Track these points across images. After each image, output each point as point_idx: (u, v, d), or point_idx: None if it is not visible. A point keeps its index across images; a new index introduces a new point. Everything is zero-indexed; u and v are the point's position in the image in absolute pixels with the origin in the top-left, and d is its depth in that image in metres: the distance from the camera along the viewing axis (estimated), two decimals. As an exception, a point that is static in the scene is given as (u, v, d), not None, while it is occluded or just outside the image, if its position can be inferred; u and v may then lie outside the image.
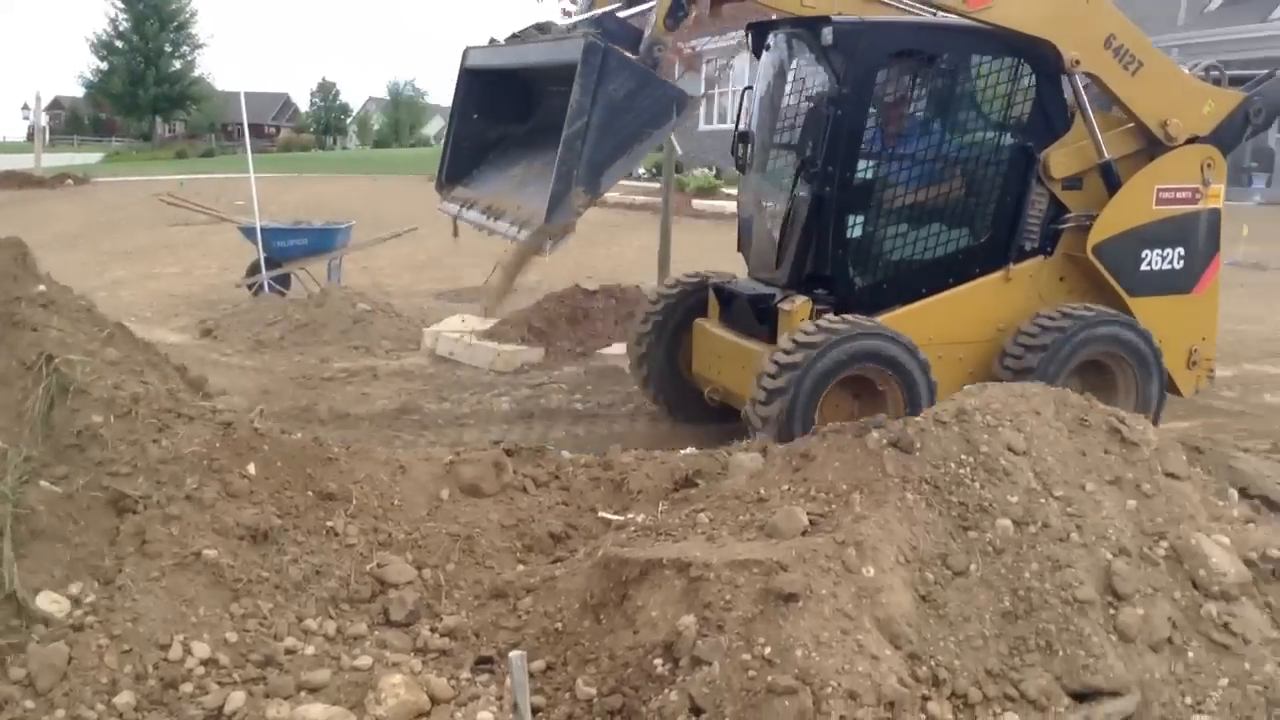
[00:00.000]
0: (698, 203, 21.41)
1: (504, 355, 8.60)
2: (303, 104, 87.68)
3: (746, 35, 7.29)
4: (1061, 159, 6.86)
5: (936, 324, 6.66)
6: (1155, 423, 6.53)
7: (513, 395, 7.71)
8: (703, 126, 32.01)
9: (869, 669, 3.27)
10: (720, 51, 11.59)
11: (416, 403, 7.45)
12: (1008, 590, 3.65)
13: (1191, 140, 7.02)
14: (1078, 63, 6.60)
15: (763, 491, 4.13)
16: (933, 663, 3.42)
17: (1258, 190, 26.13)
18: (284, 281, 11.95)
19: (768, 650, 3.25)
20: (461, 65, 6.74)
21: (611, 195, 22.48)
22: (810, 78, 6.89)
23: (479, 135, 6.73)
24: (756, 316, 6.87)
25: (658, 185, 12.92)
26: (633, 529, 4.09)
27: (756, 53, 7.22)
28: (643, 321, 7.60)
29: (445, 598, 3.99)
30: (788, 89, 7.04)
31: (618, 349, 8.78)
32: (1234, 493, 4.40)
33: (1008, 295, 6.87)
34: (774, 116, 7.15)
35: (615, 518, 4.44)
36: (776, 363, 6.14)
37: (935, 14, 6.48)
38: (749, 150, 7.25)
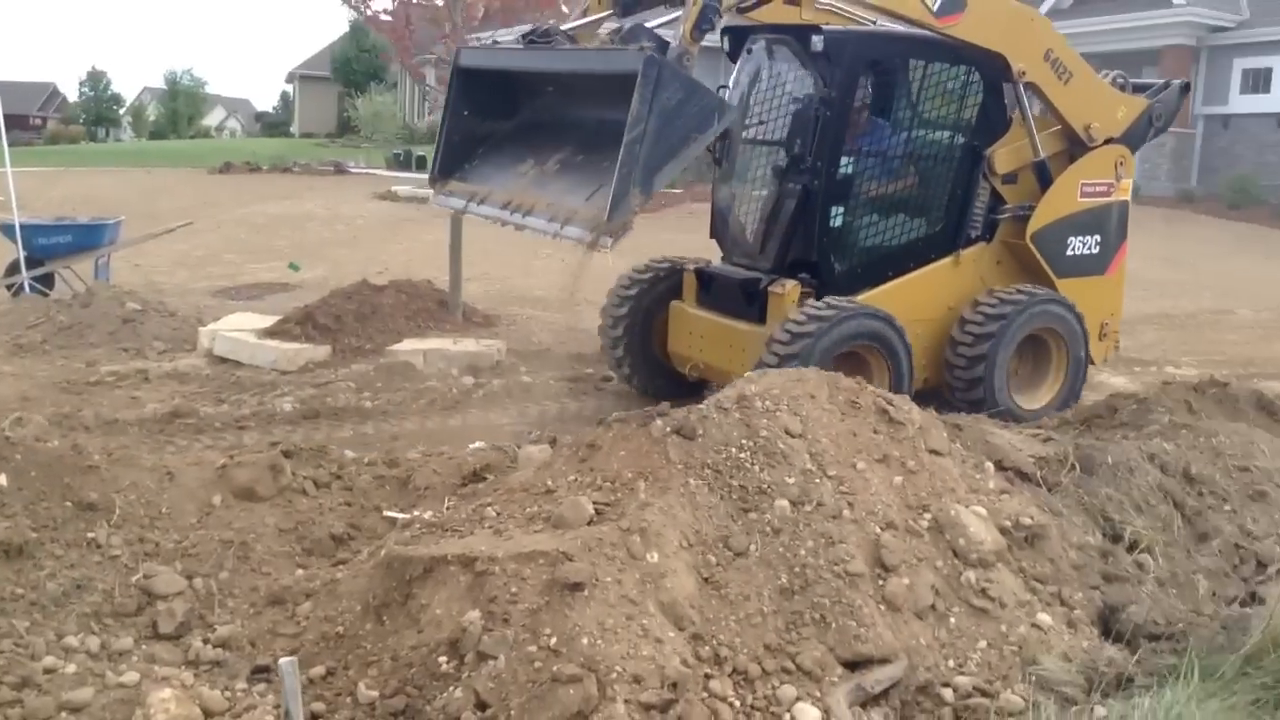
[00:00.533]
0: (492, 196, 21.20)
1: (287, 353, 8.32)
2: (71, 94, 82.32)
3: (722, 39, 7.61)
4: (1004, 157, 7.74)
5: (900, 304, 7.28)
6: (1080, 386, 7.95)
7: (297, 395, 7.44)
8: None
9: (653, 652, 3.33)
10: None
11: (191, 406, 7.10)
12: (785, 568, 3.78)
13: (1107, 141, 8.00)
14: (1023, 73, 7.47)
15: (550, 483, 4.15)
16: (715, 642, 3.51)
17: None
18: (47, 281, 11.20)
19: (554, 641, 3.27)
20: (455, 64, 7.12)
21: (404, 189, 22.03)
22: (791, 81, 7.50)
23: (469, 131, 7.03)
24: (745, 299, 7.40)
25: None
26: (418, 527, 4.03)
27: (733, 56, 7.70)
28: (616, 307, 8.03)
29: (218, 607, 3.84)
30: (769, 91, 7.63)
31: (408, 345, 8.63)
32: (990, 465, 4.67)
33: (957, 277, 7.69)
34: (754, 116, 7.71)
35: (400, 516, 4.37)
36: (788, 335, 6.68)
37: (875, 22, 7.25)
38: (727, 146, 7.50)
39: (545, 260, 14.54)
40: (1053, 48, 7.65)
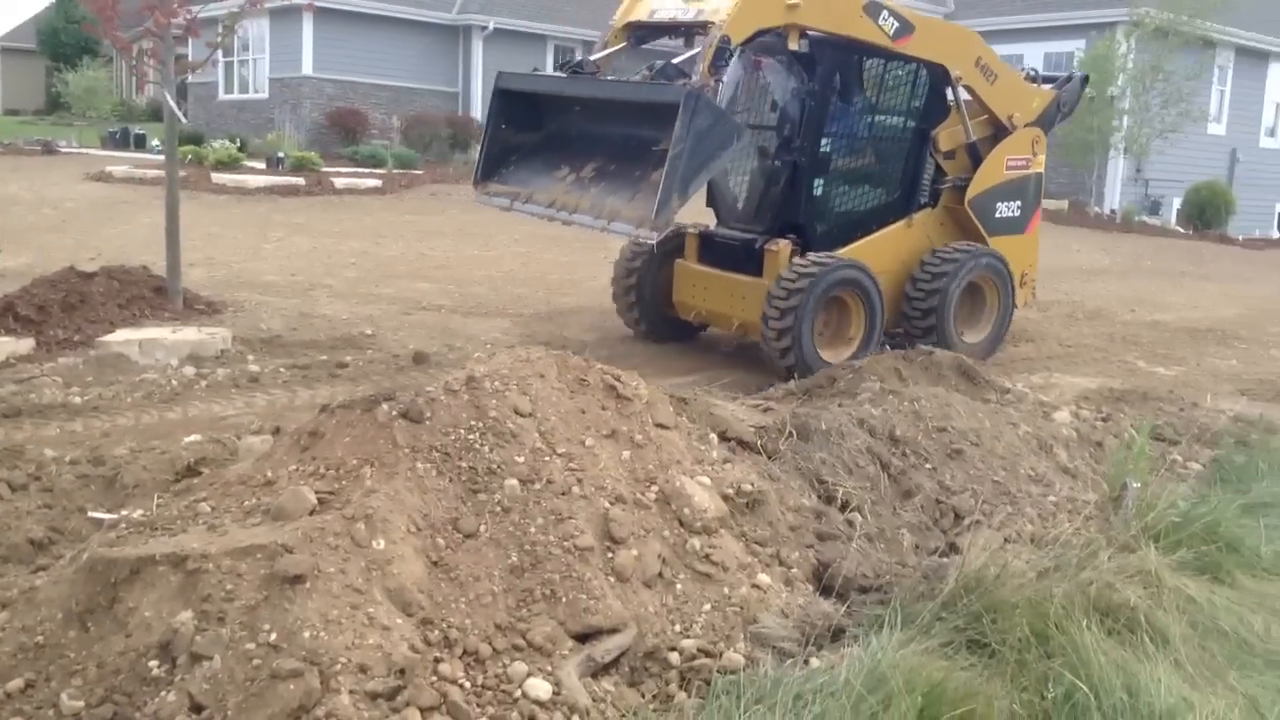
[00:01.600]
0: (218, 176, 20.18)
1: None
2: None
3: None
4: (946, 137, 9.45)
5: (867, 259, 8.78)
6: (1009, 325, 9.93)
7: (-5, 392, 6.86)
8: (222, 96, 30.26)
9: (380, 640, 3.28)
10: (229, 18, 10.94)
11: None
12: (515, 546, 3.80)
13: (1026, 125, 9.81)
14: (960, 78, 9.19)
15: (270, 474, 4.00)
16: (445, 625, 3.49)
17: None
18: None
19: (273, 636, 3.17)
20: (497, 86, 8.58)
21: (120, 169, 20.63)
22: (775, 77, 8.87)
23: (505, 142, 8.52)
24: (745, 256, 8.88)
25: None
26: (125, 527, 3.79)
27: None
28: (629, 265, 9.48)
29: (-103, 624, 3.49)
30: (757, 86, 9.00)
31: (122, 335, 8.10)
32: (714, 437, 4.85)
33: (909, 237, 9.37)
34: (745, 106, 9.03)
35: (106, 516, 4.11)
36: (785, 288, 8.18)
37: None
38: None
39: (275, 245, 14.00)
40: (981, 56, 9.36)
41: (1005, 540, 4.78)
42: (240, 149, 22.94)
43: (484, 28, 28.71)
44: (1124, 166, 25.42)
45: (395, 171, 23.01)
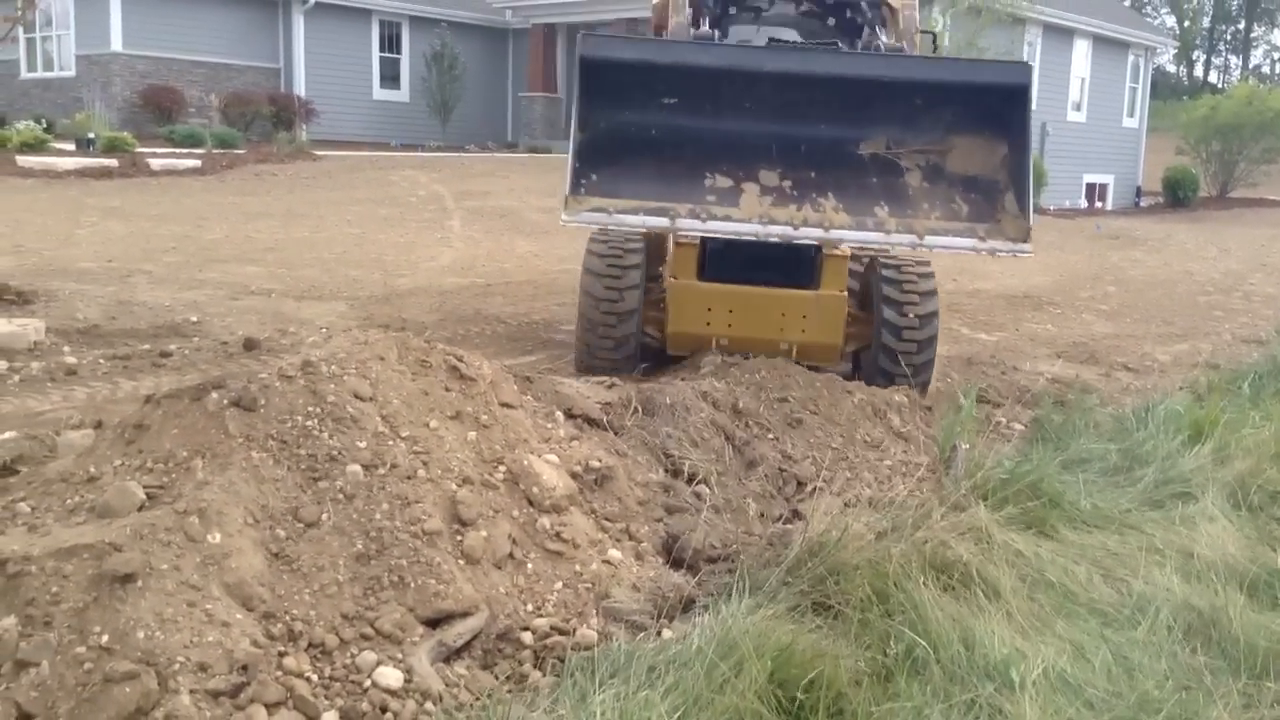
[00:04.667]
0: (24, 159, 19.01)
1: None
2: None
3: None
4: None
5: None
6: None
7: None
8: (25, 74, 28.46)
9: (220, 637, 3.17)
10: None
11: None
12: (360, 533, 3.71)
13: None
14: None
15: (94, 470, 3.80)
16: (288, 618, 3.38)
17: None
18: None
19: (105, 639, 3.02)
20: (582, 56, 6.09)
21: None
22: None
23: (602, 139, 6.33)
24: (782, 264, 7.06)
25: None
26: (-67, 531, 3.54)
27: None
28: (620, 302, 6.99)
29: None
30: None
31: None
32: (560, 414, 4.84)
33: None
34: None
35: (-89, 523, 3.82)
36: (919, 291, 6.99)
37: None
38: None
39: (89, 230, 13.31)
40: None
41: (845, 505, 4.91)
42: (47, 130, 21.68)
43: (305, 1, 27.82)
44: (944, 142, 26.37)
45: (215, 151, 22.14)
